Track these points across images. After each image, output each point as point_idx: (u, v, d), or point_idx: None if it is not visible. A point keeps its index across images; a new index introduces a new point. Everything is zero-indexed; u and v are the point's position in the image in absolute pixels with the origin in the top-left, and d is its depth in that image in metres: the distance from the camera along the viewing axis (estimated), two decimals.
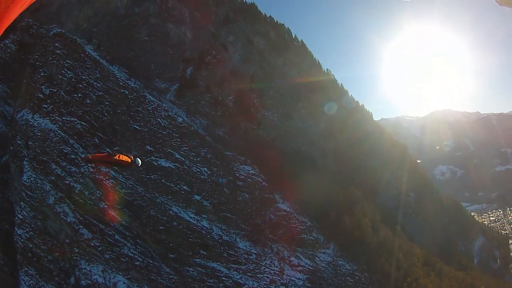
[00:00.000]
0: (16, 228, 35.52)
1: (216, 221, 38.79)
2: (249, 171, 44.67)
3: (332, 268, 44.54)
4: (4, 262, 34.05)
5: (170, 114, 43.16)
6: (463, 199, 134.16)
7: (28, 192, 37.04)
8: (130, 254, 35.95)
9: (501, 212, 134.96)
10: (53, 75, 41.37)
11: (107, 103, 42.16)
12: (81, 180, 37.84)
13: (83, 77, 42.33)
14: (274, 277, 38.64)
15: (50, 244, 36.38)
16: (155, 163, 40.01)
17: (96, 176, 38.03)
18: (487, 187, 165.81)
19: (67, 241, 35.93)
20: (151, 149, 41.06)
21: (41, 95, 40.90)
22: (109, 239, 36.33)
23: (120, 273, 35.68)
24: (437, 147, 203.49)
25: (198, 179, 39.83)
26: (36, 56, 43.04)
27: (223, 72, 50.86)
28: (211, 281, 36.55)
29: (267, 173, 45.76)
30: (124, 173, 39.80)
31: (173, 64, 50.58)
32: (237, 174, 42.63)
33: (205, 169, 40.81)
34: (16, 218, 35.70)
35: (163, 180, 38.78)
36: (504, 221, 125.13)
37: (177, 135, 41.95)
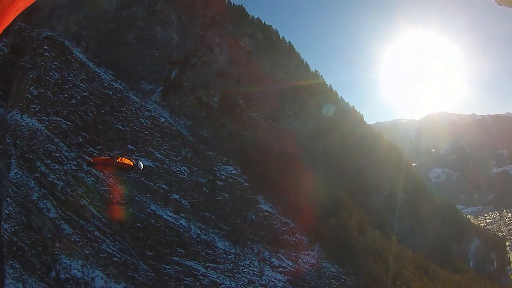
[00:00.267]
0: (2, 223, 39.03)
1: (194, 220, 41.31)
2: (231, 171, 47.17)
3: (315, 270, 46.11)
4: None
5: (152, 114, 46.37)
6: (459, 202, 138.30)
7: (14, 188, 40.52)
8: (109, 250, 38.74)
9: (497, 214, 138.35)
10: (41, 77, 45.22)
11: (91, 103, 45.68)
12: (63, 178, 41.20)
13: (69, 78, 46.03)
14: (253, 277, 40.62)
15: (33, 238, 39.60)
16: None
17: (78, 173, 41.43)
18: (483, 189, 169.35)
19: (49, 236, 39.11)
20: (133, 148, 44.19)
21: (29, 96, 44.74)
22: (89, 235, 39.25)
23: (99, 269, 38.46)
24: (433, 150, 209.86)
25: (178, 178, 42.62)
26: (27, 59, 47.07)
27: (209, 73, 53.98)
28: (188, 279, 38.88)
29: (250, 174, 48.12)
30: (104, 171, 42.79)
31: (159, 66, 54.02)
32: (217, 174, 45.20)
33: (185, 168, 43.60)
34: (3, 213, 39.19)
35: (142, 179, 41.75)
36: (501, 223, 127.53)
37: (158, 135, 45.01)
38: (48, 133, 42.32)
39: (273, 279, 40.48)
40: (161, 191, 41.22)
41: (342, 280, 46.50)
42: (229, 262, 39.57)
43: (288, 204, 47.68)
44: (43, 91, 44.28)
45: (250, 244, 42.32)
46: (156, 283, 37.48)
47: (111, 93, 46.69)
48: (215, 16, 56.97)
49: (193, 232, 39.77)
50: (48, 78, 44.95)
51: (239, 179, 46.38)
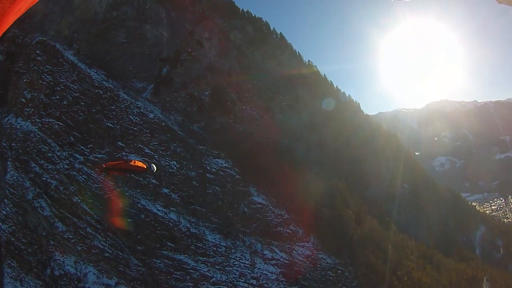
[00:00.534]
0: (0, 224, 40.16)
1: (184, 213, 40.84)
2: (222, 164, 46.40)
3: (310, 262, 44.65)
4: None
5: (142, 111, 46.24)
6: (463, 190, 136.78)
7: (11, 189, 41.38)
8: (100, 246, 38.87)
9: (503, 201, 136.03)
10: (34, 81, 45.98)
11: (82, 103, 46.08)
12: (56, 177, 41.73)
13: (60, 80, 46.60)
14: (244, 270, 39.72)
15: (29, 237, 40.32)
16: (125, 158, 43.09)
17: (70, 172, 41.91)
18: (487, 176, 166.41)
19: (44, 234, 39.67)
20: (123, 145, 44.23)
21: (23, 100, 45.62)
22: (81, 232, 39.56)
23: (91, 264, 38.70)
24: (436, 139, 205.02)
25: (167, 172, 42.28)
26: (20, 64, 48.02)
27: (199, 68, 53.37)
28: (178, 273, 38.46)
29: (242, 166, 47.18)
30: (96, 169, 43.39)
31: (150, 64, 53.90)
32: (208, 168, 44.55)
33: (174, 162, 43.19)
34: (1, 214, 40.21)
35: (132, 175, 41.73)
36: (506, 209, 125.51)
37: (147, 131, 44.81)
38: (41, 134, 42.94)
39: (265, 272, 39.46)
40: (151, 186, 41.02)
41: (339, 271, 44.85)
42: (219, 255, 38.86)
43: (282, 196, 46.46)
44: (36, 94, 45.02)
45: (242, 236, 41.45)
46: (147, 278, 37.29)
47: (101, 92, 46.96)
48: (204, 11, 56.28)
49: (183, 226, 39.31)
50: (40, 81, 45.64)
51: (231, 172, 45.57)
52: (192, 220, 40.13)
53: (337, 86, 63.37)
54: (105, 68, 50.72)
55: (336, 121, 56.93)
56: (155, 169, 7.53)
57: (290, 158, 50.88)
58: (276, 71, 56.72)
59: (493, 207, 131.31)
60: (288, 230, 44.28)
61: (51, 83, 45.35)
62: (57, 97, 44.97)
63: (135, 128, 44.35)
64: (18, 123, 43.70)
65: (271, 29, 61.38)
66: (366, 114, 68.72)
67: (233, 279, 37.70)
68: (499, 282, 55.53)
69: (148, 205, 39.77)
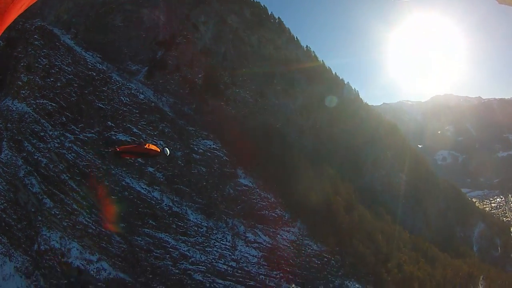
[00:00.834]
0: None
1: (168, 192, 39.95)
2: (210, 145, 45.11)
3: (295, 248, 42.49)
4: None
5: (133, 92, 45.86)
6: (464, 185, 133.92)
7: (4, 168, 42.09)
8: (85, 222, 38.90)
9: (503, 199, 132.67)
10: (31, 64, 46.52)
11: (75, 85, 46.22)
12: (47, 155, 42.19)
13: (56, 63, 46.92)
14: (224, 252, 38.29)
15: (19, 214, 40.88)
16: (114, 137, 42.95)
17: (60, 150, 42.23)
18: (489, 173, 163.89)
19: (32, 210, 40.26)
20: (112, 124, 43.92)
21: (20, 83, 46.27)
22: (67, 208, 39.78)
23: (75, 240, 38.65)
24: (439, 132, 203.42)
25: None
26: (19, 49, 48.83)
27: (193, 51, 52.26)
28: (158, 251, 37.69)
29: (231, 148, 45.66)
30: (84, 147, 43.55)
31: (145, 47, 53.39)
32: (195, 148, 43.41)
33: (161, 142, 42.30)
34: None
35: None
36: (506, 208, 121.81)
37: (137, 111, 44.24)
38: (35, 115, 43.36)
39: (246, 255, 37.90)
40: (136, 164, 40.45)
41: (325, 259, 42.44)
42: (200, 235, 37.72)
43: (270, 179, 44.57)
44: (32, 77, 45.51)
45: (225, 218, 40.06)
46: (128, 255, 36.82)
47: (94, 74, 46.94)
48: None
49: (165, 204, 38.47)
50: (37, 64, 46.12)
51: (218, 153, 44.23)
52: (175, 199, 39.22)
53: (336, 73, 60.48)
54: (101, 51, 50.68)
55: (330, 107, 54.16)
56: (168, 153, 7.50)
57: (282, 142, 48.80)
58: (272, 56, 54.67)
59: (493, 205, 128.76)
60: (273, 214, 42.44)
61: (47, 66, 45.69)
62: (52, 79, 45.29)
63: (124, 109, 43.97)
64: (14, 105, 44.35)
65: (269, 14, 59.28)
66: (366, 103, 65.41)
67: (212, 260, 36.49)
68: (496, 282, 51.41)
69: (132, 183, 39.31)
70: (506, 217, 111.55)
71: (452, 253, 54.77)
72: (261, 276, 37.82)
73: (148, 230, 37.13)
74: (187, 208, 38.84)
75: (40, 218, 38.69)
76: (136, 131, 42.11)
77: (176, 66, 50.60)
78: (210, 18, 55.43)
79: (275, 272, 38.71)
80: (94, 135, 42.50)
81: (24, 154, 41.23)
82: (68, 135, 42.34)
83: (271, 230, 41.06)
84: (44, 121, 43.06)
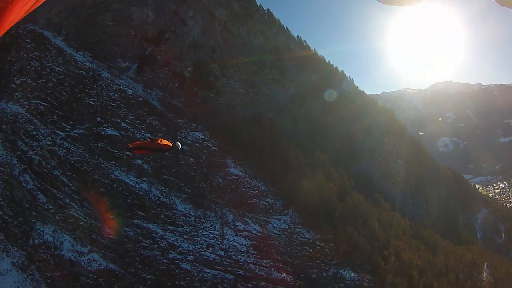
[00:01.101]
0: None
1: (156, 183, 41.03)
2: (198, 136, 45.91)
3: (286, 236, 42.52)
4: None
5: (121, 87, 47.36)
6: (467, 171, 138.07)
7: (0, 168, 44.77)
8: (76, 215, 40.43)
9: (506, 185, 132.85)
10: (23, 67, 48.71)
11: (66, 84, 48.05)
12: (40, 153, 44.15)
13: (47, 64, 48.88)
14: (213, 241, 38.76)
15: (16, 210, 42.89)
16: (103, 133, 44.46)
17: (52, 148, 44.06)
18: (491, 159, 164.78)
19: (27, 206, 42.18)
20: (101, 120, 45.53)
21: (13, 85, 48.71)
22: (59, 202, 41.43)
23: (68, 233, 40.20)
24: (440, 119, 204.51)
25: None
26: (13, 53, 51.56)
27: (182, 46, 53.41)
28: (147, 241, 38.57)
29: (220, 138, 46.23)
30: (75, 143, 45.19)
31: (135, 44, 54.90)
32: (183, 139, 44.38)
33: (149, 135, 43.54)
34: None
35: (108, 147, 42.85)
36: (510, 193, 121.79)
37: (125, 106, 45.57)
38: (28, 115, 45.37)
39: (235, 243, 38.26)
40: (125, 157, 41.69)
41: (318, 247, 42.18)
42: (188, 224, 38.40)
43: (261, 168, 44.81)
44: (24, 79, 47.65)
45: (214, 207, 40.67)
46: (117, 246, 37.99)
47: (84, 72, 48.69)
48: None
49: (153, 195, 39.41)
50: (29, 67, 48.23)
51: (207, 144, 44.95)
52: (164, 190, 40.12)
53: (329, 61, 60.27)
54: (92, 51, 52.47)
55: (324, 94, 53.99)
56: (180, 147, 7.67)
57: (274, 131, 49.08)
58: (262, 46, 55.19)
59: (496, 191, 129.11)
60: (264, 202, 42.66)
61: (38, 68, 47.75)
62: (43, 80, 47.30)
63: (113, 104, 45.42)
64: (8, 107, 46.58)
65: (258, 5, 59.90)
66: (361, 90, 64.62)
67: (200, 249, 37.06)
68: (500, 269, 49.70)
69: (121, 176, 40.54)
70: (510, 202, 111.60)
71: (454, 240, 53.39)
72: (250, 265, 38.10)
73: (137, 221, 38.15)
74: (175, 198, 39.66)
75: (34, 214, 40.45)
76: (124, 125, 43.42)
77: (165, 61, 51.80)
78: (198, 13, 56.46)
79: (265, 261, 38.91)
80: (84, 131, 44.09)
81: (18, 153, 43.23)
82: (60, 132, 44.13)
83: (262, 218, 41.29)
84: (36, 120, 45.01)
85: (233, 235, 38.57)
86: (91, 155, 41.84)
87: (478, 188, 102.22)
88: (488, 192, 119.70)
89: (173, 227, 37.52)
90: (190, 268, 36.20)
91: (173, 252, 36.37)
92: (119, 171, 40.26)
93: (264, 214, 41.33)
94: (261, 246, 38.56)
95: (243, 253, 37.76)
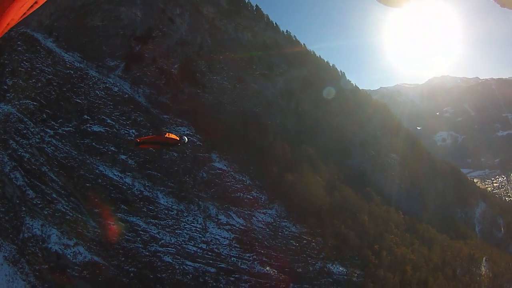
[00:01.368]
0: None
1: (139, 178, 43.02)
2: (184, 131, 47.70)
3: (271, 230, 43.67)
4: None
5: (107, 85, 49.77)
6: (465, 165, 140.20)
7: None
8: (63, 210, 42.77)
9: (505, 178, 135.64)
10: (15, 69, 51.73)
11: (55, 84, 50.73)
12: (29, 150, 46.90)
13: (37, 65, 51.72)
14: (195, 234, 40.29)
15: (7, 206, 45.71)
16: (89, 129, 46.83)
17: (41, 145, 46.71)
18: (489, 153, 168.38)
19: (17, 202, 44.90)
20: (88, 117, 47.96)
21: (5, 87, 52.03)
22: (47, 197, 43.87)
23: (55, 227, 42.60)
24: (437, 113, 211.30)
25: (126, 140, 45.03)
26: (5, 56, 54.92)
27: (170, 43, 55.53)
28: (129, 235, 40.56)
29: (206, 134, 47.97)
30: (63, 141, 47.65)
31: (123, 43, 57.42)
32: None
33: (133, 130, 45.60)
34: None
35: (93, 144, 45.12)
36: (508, 187, 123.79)
37: (111, 103, 47.86)
38: (19, 114, 48.20)
39: (217, 237, 39.69)
40: (110, 153, 43.84)
41: (305, 241, 43.13)
42: (170, 218, 40.08)
43: (246, 162, 46.20)
44: (16, 80, 50.60)
45: (197, 201, 42.33)
46: (102, 239, 40.09)
47: (72, 72, 51.39)
48: None
49: (136, 189, 41.34)
50: (20, 68, 51.18)
51: (192, 139, 46.74)
52: (147, 184, 42.02)
53: (320, 55, 61.41)
54: (81, 51, 55.35)
55: (314, 88, 54.99)
56: (186, 140, 8.26)
57: (260, 125, 50.49)
58: (250, 42, 56.76)
59: (494, 184, 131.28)
60: (249, 196, 43.98)
61: (29, 69, 50.62)
62: (33, 80, 50.10)
63: (99, 102, 47.78)
64: (1, 108, 49.69)
65: (246, 2, 61.60)
66: (353, 84, 65.09)
67: (182, 242, 38.65)
68: (499, 263, 49.34)
69: (106, 171, 42.71)
70: (509, 196, 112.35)
71: (452, 234, 53.35)
72: (232, 259, 39.43)
73: (121, 215, 40.12)
74: (158, 192, 41.47)
75: (24, 209, 43.02)
76: (110, 121, 45.65)
77: (152, 59, 53.97)
78: (185, 10, 58.54)
79: (248, 255, 40.17)
80: (71, 129, 46.53)
81: (10, 151, 46.09)
82: (48, 130, 46.73)
83: (246, 212, 42.59)
84: (27, 119, 47.74)
85: (216, 228, 40.03)
86: (78, 151, 44.13)
87: (477, 182, 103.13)
88: (486, 186, 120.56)
89: (156, 221, 39.27)
90: (171, 261, 37.80)
91: (155, 245, 38.10)
92: (104, 166, 42.38)
93: (248, 208, 42.62)
94: (244, 240, 39.82)
95: (225, 246, 39.16)
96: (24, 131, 46.46)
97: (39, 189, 42.92)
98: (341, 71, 63.85)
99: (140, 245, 37.73)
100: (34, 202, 42.19)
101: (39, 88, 48.95)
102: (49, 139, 45.42)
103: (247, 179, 44.90)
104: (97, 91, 48.23)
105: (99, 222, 39.96)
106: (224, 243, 39.08)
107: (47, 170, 43.68)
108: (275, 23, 61.15)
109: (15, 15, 1.95)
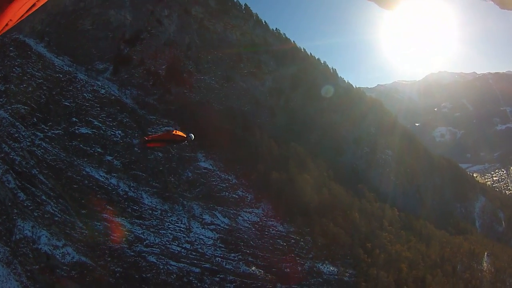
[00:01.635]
0: None
1: (125, 179, 44.98)
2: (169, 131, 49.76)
3: (257, 229, 44.72)
4: None
5: (95, 88, 52.08)
6: (464, 160, 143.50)
7: None
8: (52, 211, 45.11)
9: (504, 172, 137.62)
10: (7, 74, 55.03)
11: (44, 88, 53.32)
12: (20, 153, 49.73)
13: (28, 70, 54.43)
14: (179, 234, 41.84)
15: (0, 209, 49.05)
16: (77, 131, 49.18)
17: (31, 148, 49.39)
18: (488, 147, 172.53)
19: (9, 204, 47.70)
20: (76, 120, 50.35)
21: None
22: (37, 199, 46.36)
23: (45, 229, 45.03)
24: (435, 109, 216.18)
25: (112, 141, 46.78)
26: None
27: (157, 45, 57.54)
28: (115, 235, 42.71)
29: (192, 133, 49.76)
30: (52, 143, 50.09)
31: (113, 46, 59.75)
32: (151, 134, 48.36)
33: (119, 132, 47.54)
34: None
35: (81, 145, 47.39)
36: (508, 180, 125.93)
37: (98, 105, 50.16)
38: (11, 119, 51.07)
39: (201, 236, 41.11)
40: (96, 154, 46.01)
41: (293, 240, 44.05)
42: (154, 218, 41.85)
43: (232, 161, 47.56)
44: (8, 85, 53.84)
45: (182, 200, 43.94)
46: (88, 239, 42.14)
47: (61, 76, 53.92)
48: None
49: (121, 189, 43.29)
50: (12, 74, 54.13)
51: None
52: (132, 185, 43.88)
53: (311, 53, 62.17)
54: (72, 55, 58.02)
55: (304, 86, 55.85)
56: (193, 137, 8.71)
57: (247, 124, 51.74)
58: (239, 41, 58.17)
59: (494, 178, 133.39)
60: (234, 195, 45.24)
61: (20, 74, 53.52)
62: (24, 85, 53.05)
63: (87, 104, 50.09)
64: None
65: (235, 1, 63.08)
66: (345, 80, 65.34)
67: (166, 242, 40.29)
68: (501, 258, 48.86)
69: (92, 172, 44.86)
70: (509, 189, 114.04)
71: (451, 230, 53.22)
72: (217, 259, 40.82)
73: (106, 215, 42.12)
74: (143, 193, 43.31)
75: (16, 211, 45.53)
76: (97, 123, 47.79)
77: (140, 61, 56.01)
78: (174, 11, 60.41)
79: (233, 254, 41.45)
80: (60, 131, 48.96)
81: (2, 155, 48.97)
82: (38, 133, 49.32)
83: (232, 211, 43.87)
84: (18, 123, 50.47)
85: (200, 228, 41.45)
86: (66, 153, 46.45)
87: (476, 176, 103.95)
88: (486, 180, 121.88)
89: (140, 221, 41.06)
90: (156, 261, 39.42)
91: (140, 245, 39.84)
92: (90, 167, 44.53)
93: (234, 207, 43.85)
94: (229, 240, 41.03)
95: (209, 246, 40.52)
96: (16, 135, 49.10)
97: (30, 191, 45.36)
98: (332, 68, 64.64)
99: (125, 245, 39.56)
100: (25, 204, 44.61)
101: (30, 93, 51.60)
102: (39, 142, 47.93)
103: (233, 178, 46.22)
104: (84, 94, 50.55)
105: (86, 223, 42.01)
106: (209, 243, 40.49)
107: (37, 172, 46.12)
108: (264, 22, 62.51)
109: (13, 16, 1.99)
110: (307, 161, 48.66)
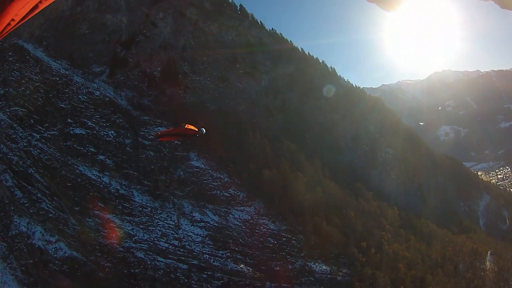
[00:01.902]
0: None
1: (117, 177, 47.94)
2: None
3: (247, 227, 46.72)
4: None
5: (90, 90, 55.68)
6: (469, 159, 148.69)
7: None
8: (46, 208, 48.31)
9: (509, 169, 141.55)
10: (6, 78, 59.47)
11: (42, 90, 57.15)
12: (18, 153, 53.46)
13: (26, 74, 58.68)
14: (168, 230, 44.41)
15: None
16: (72, 132, 52.63)
17: (28, 148, 53.05)
18: (492, 145, 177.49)
19: (7, 202, 51.20)
20: (71, 121, 53.88)
21: None
22: (33, 197, 49.81)
23: (39, 225, 48.29)
24: (440, 108, 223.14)
25: (104, 141, 50.02)
26: None
27: (153, 47, 61.05)
28: (105, 231, 45.51)
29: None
30: (47, 144, 53.58)
31: (109, 49, 63.60)
32: (146, 135, 51.26)
33: (112, 132, 50.84)
34: None
35: (75, 145, 50.74)
36: None
37: (92, 107, 53.62)
38: (9, 121, 55.20)
39: (190, 234, 43.51)
40: (89, 154, 49.30)
41: (284, 239, 45.90)
42: (144, 215, 44.59)
43: (225, 160, 49.96)
44: (7, 89, 58.22)
45: (172, 198, 46.58)
46: (81, 235, 45.08)
47: (58, 79, 57.83)
48: None
49: (113, 187, 46.26)
50: (11, 78, 58.50)
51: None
52: (124, 183, 46.82)
53: (308, 51, 64.54)
54: (69, 59, 62.09)
55: (300, 85, 58.07)
56: (204, 131, 9.11)
57: (241, 123, 54.23)
58: (234, 41, 61.12)
59: (499, 176, 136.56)
60: (226, 194, 47.59)
61: (18, 78, 57.78)
62: (22, 88, 57.15)
63: (82, 106, 53.68)
64: None
65: (230, 2, 66.30)
66: (344, 79, 67.24)
67: (155, 239, 42.89)
68: (504, 257, 49.22)
69: (85, 171, 48.04)
70: None
71: (454, 229, 53.99)
72: (205, 255, 43.10)
73: (98, 212, 45.07)
74: (134, 191, 46.17)
75: (12, 208, 49.10)
76: (91, 124, 51.18)
77: (135, 63, 59.55)
78: (168, 14, 64.04)
79: (221, 252, 43.67)
80: (56, 132, 52.54)
81: (0, 155, 52.84)
82: (35, 134, 53.04)
83: (223, 210, 46.17)
84: (16, 125, 54.48)
85: (189, 226, 43.87)
86: (61, 153, 49.85)
87: (481, 174, 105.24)
88: (491, 178, 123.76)
89: (130, 218, 43.81)
90: (144, 257, 41.99)
91: (129, 241, 42.54)
92: (84, 166, 47.71)
93: (225, 205, 46.16)
94: (218, 237, 43.26)
95: (198, 243, 42.84)
96: (14, 136, 52.90)
97: (26, 189, 48.83)
98: (331, 68, 66.84)
99: (115, 241, 42.23)
100: (21, 201, 48.06)
101: (28, 96, 55.52)
102: (36, 143, 51.53)
103: (225, 176, 48.61)
104: (80, 96, 54.13)
105: (79, 220, 44.99)
106: (197, 240, 42.78)
107: (33, 171, 49.61)
108: (260, 22, 65.46)
109: (15, 16, 2.00)
110: (301, 159, 50.67)
